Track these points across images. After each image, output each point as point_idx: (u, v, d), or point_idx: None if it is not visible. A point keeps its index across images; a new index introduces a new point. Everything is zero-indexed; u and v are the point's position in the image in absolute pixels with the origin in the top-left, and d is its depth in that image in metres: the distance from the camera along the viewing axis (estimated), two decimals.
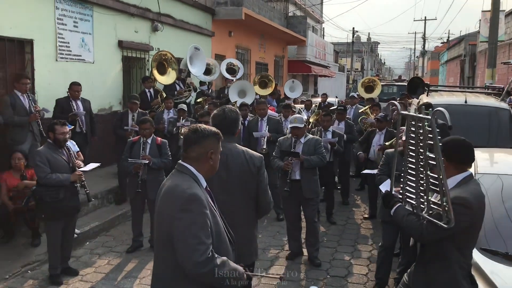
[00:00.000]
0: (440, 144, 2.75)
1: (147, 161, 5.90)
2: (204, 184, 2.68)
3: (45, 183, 4.95)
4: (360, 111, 10.33)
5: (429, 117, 2.74)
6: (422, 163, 2.84)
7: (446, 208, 2.70)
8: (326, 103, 13.50)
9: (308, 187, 5.68)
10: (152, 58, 10.01)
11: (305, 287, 5.20)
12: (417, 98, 8.59)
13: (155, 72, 9.78)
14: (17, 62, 7.36)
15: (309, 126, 9.00)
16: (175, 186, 2.55)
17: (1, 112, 6.52)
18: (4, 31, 6.98)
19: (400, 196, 3.12)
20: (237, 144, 3.49)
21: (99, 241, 6.59)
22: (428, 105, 6.52)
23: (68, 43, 8.34)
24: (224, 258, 2.52)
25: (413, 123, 2.87)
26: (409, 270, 3.34)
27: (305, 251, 5.98)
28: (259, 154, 3.50)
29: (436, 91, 9.39)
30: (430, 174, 2.80)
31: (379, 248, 5.17)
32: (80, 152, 6.68)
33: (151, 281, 2.75)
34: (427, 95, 8.26)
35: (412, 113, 2.88)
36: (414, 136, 2.89)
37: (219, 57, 14.79)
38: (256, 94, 12.20)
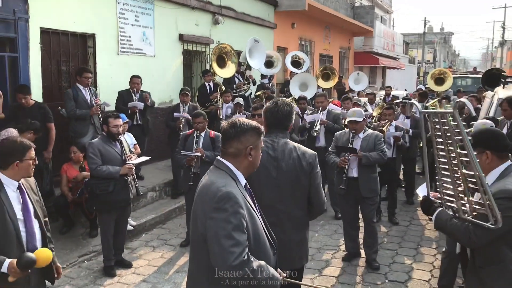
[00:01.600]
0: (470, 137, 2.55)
1: (199, 154, 5.82)
2: (243, 181, 2.50)
3: (95, 174, 5.00)
4: (428, 104, 9.72)
5: (451, 110, 2.49)
6: (454, 162, 2.57)
7: (490, 207, 2.41)
8: (391, 96, 12.89)
9: (366, 185, 5.32)
10: (212, 52, 9.95)
11: None
12: (492, 91, 7.92)
13: (215, 65, 9.71)
14: (79, 56, 7.56)
15: (373, 120, 8.61)
16: (211, 184, 2.40)
17: (64, 105, 6.72)
18: (67, 26, 7.17)
19: (440, 201, 2.81)
20: (289, 140, 3.26)
21: (155, 233, 6.64)
22: None
23: (130, 37, 8.46)
24: (262, 262, 2.34)
25: (437, 120, 2.61)
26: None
27: (363, 252, 5.65)
28: (313, 151, 3.25)
29: None
30: (466, 172, 2.53)
31: (443, 254, 4.74)
32: (137, 145, 6.75)
33: (186, 283, 2.62)
34: (503, 88, 7.59)
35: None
36: (440, 134, 2.62)
37: (281, 50, 14.56)
38: (319, 87, 11.90)
